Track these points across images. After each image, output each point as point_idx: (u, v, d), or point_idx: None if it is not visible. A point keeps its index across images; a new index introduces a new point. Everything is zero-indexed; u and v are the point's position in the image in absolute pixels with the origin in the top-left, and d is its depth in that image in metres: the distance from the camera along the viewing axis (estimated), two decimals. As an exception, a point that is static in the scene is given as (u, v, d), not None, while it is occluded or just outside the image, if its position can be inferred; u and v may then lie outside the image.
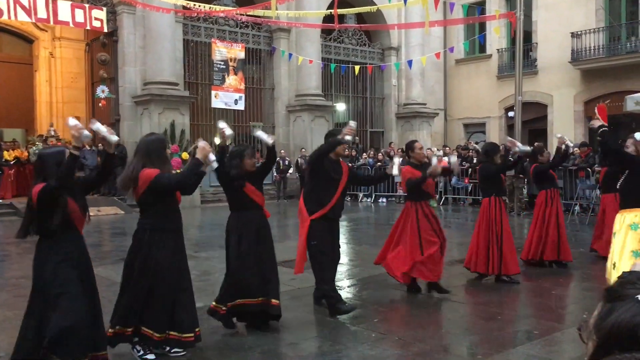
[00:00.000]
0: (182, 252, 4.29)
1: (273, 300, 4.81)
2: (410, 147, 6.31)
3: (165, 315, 4.12)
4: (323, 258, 5.39)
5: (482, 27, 21.45)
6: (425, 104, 22.07)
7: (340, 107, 21.75)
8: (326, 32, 20.10)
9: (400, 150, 18.61)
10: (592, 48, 18.90)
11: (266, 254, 4.91)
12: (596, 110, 5.44)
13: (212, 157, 4.15)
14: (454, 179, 16.42)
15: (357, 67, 18.21)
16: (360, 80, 21.33)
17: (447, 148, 18.99)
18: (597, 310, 1.11)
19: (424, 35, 20.98)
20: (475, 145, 17.69)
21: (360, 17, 20.09)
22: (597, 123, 5.29)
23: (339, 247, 5.74)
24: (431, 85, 23.09)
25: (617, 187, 5.40)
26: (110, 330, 4.09)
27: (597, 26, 18.99)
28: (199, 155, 4.03)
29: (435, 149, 18.62)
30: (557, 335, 4.82)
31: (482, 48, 22.69)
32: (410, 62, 18.21)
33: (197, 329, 4.23)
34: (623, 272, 1.17)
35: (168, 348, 4.23)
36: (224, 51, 17.78)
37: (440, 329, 5.22)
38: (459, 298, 6.21)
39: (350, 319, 5.30)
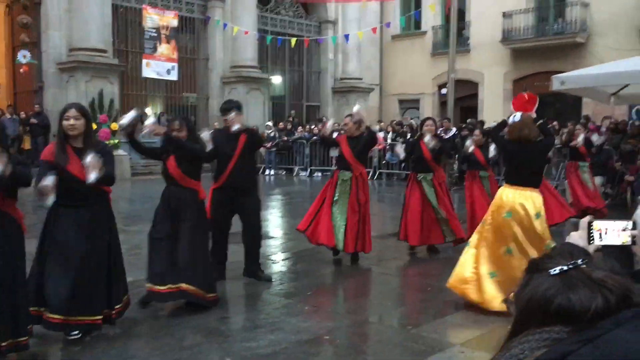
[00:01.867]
0: (79, 229, 3.97)
1: (183, 285, 4.51)
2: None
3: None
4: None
5: (418, 3, 21.66)
6: (361, 79, 22.15)
7: (276, 79, 21.52)
8: (262, 3, 19.74)
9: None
10: (522, 28, 19.46)
11: (181, 234, 4.62)
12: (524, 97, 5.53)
13: (93, 176, 3.76)
14: (388, 154, 16.64)
15: (293, 40, 18.02)
16: (297, 54, 21.13)
17: (382, 123, 19.21)
18: (520, 281, 1.12)
19: (361, 10, 20.96)
20: (410, 120, 17.98)
21: (297, -11, 19.82)
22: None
23: (249, 217, 5.54)
24: (367, 61, 23.18)
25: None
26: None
27: (527, 7, 19.54)
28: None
29: (373, 125, 18.76)
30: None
31: (418, 25, 22.93)
32: (347, 37, 18.21)
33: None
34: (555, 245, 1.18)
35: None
36: (155, 18, 17.13)
37: (372, 300, 5.29)
38: (391, 270, 6.32)
39: (283, 292, 5.29)
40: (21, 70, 15.60)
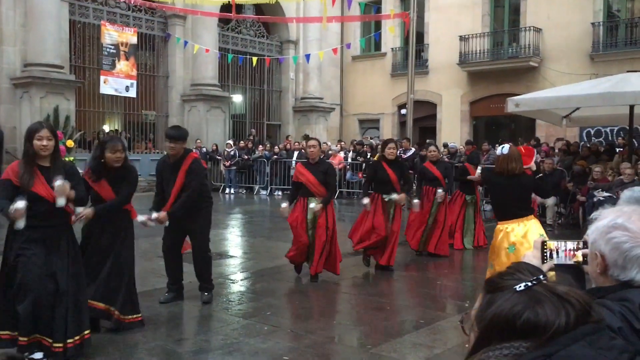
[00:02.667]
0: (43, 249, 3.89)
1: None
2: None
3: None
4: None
5: (378, 25, 22.02)
6: (322, 99, 22.31)
7: (237, 98, 21.49)
8: (224, 22, 19.74)
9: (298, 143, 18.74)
10: (478, 51, 20.00)
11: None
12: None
13: (62, 201, 3.79)
14: (348, 174, 16.76)
15: (254, 59, 18.05)
16: (258, 72, 21.16)
17: (342, 142, 19.36)
18: (478, 302, 1.13)
19: (322, 31, 21.19)
20: (370, 140, 18.16)
21: (259, 8, 19.92)
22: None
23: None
24: (328, 80, 23.39)
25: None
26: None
27: (483, 31, 20.12)
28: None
29: (330, 144, 18.91)
30: (442, 324, 5.03)
31: (378, 46, 23.31)
32: (307, 57, 18.35)
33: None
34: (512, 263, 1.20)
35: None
36: (114, 35, 16.92)
37: (331, 320, 5.28)
38: (351, 289, 6.32)
39: (242, 313, 5.22)
40: (-28, 85, 15.12)
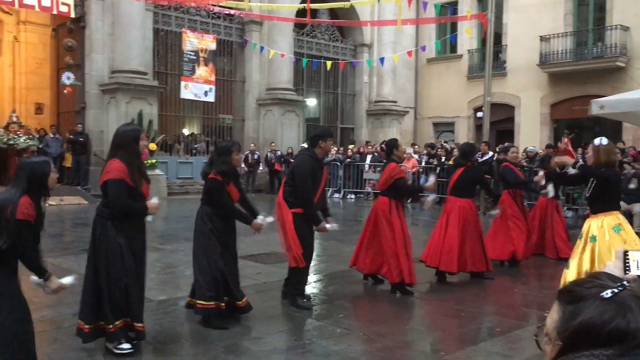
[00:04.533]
0: (137, 241, 4.20)
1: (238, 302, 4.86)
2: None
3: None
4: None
5: (454, 27, 21.65)
6: (395, 102, 22.18)
7: (311, 102, 21.72)
8: (299, 27, 20.02)
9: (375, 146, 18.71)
10: (560, 52, 19.25)
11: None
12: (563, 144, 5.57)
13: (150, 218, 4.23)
14: (422, 178, 16.55)
15: (329, 63, 18.18)
16: (332, 76, 21.32)
17: (416, 146, 19.15)
18: (556, 314, 1.10)
19: (397, 33, 21.07)
20: (444, 144, 17.87)
21: (333, 13, 20.07)
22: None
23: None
24: (402, 84, 23.22)
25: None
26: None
27: (565, 30, 19.35)
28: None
29: (404, 147, 18.74)
30: (519, 333, 4.88)
31: (453, 48, 22.91)
32: (382, 60, 18.28)
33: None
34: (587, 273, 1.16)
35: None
36: (194, 41, 17.55)
37: (404, 325, 5.24)
38: (425, 295, 6.25)
39: (315, 315, 5.28)
40: (65, 91, 16.11)
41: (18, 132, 15.10)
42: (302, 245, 5.28)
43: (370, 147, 18.96)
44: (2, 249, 3.09)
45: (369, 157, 17.81)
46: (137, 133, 4.27)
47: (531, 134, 19.92)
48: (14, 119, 15.73)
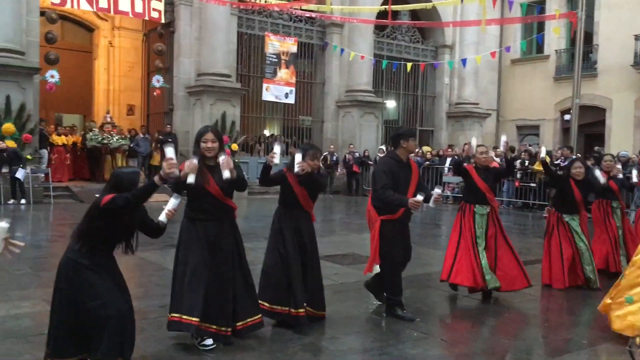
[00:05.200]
0: (207, 242, 4.25)
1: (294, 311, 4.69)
2: (403, 136, 5.50)
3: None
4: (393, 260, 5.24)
5: (541, 26, 20.88)
6: (477, 104, 21.67)
7: (391, 104, 21.61)
8: (379, 28, 19.98)
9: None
10: (657, 51, 18.16)
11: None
12: None
13: (192, 178, 4.00)
14: (505, 183, 16.07)
15: (409, 64, 18.03)
16: (412, 78, 21.12)
17: (498, 149, 18.58)
18: None
19: (480, 34, 20.59)
20: (529, 147, 17.26)
21: (414, 14, 19.88)
22: None
23: (410, 248, 5.47)
24: (484, 85, 22.66)
25: None
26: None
27: (664, 29, 18.23)
28: (167, 170, 3.64)
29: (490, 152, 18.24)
30: (607, 346, 4.66)
31: (540, 48, 22.10)
32: (464, 61, 17.93)
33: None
34: None
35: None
36: (276, 44, 17.91)
37: (484, 332, 5.12)
38: (507, 302, 6.07)
39: (393, 317, 5.25)
40: (155, 93, 16.91)
41: (112, 132, 16.00)
42: (391, 252, 5.13)
43: (450, 149, 18.62)
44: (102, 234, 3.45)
45: (448, 160, 17.51)
46: (199, 133, 4.31)
47: (624, 138, 18.88)
48: (108, 120, 16.68)
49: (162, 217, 3.67)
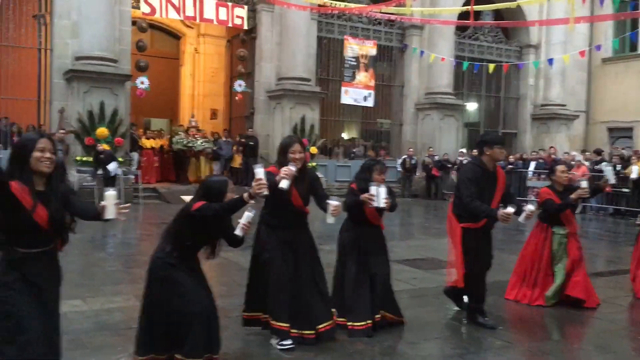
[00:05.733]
0: (287, 246, 4.35)
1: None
2: (489, 142, 5.15)
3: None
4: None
5: (635, 23, 19.73)
6: (564, 105, 20.78)
7: (472, 106, 21.12)
8: (460, 29, 19.59)
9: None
10: None
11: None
12: None
13: (286, 184, 4.07)
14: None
15: (491, 65, 17.55)
16: (495, 79, 20.55)
17: (587, 153, 17.75)
18: None
19: (568, 32, 19.73)
20: (622, 151, 16.38)
21: (498, 14, 19.34)
22: None
23: (491, 257, 5.26)
24: (572, 86, 21.69)
25: None
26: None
27: None
28: (257, 190, 3.65)
29: (574, 153, 17.49)
30: None
31: (634, 46, 20.89)
32: (550, 61, 17.23)
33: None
34: None
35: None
36: (355, 48, 17.96)
37: (570, 343, 4.90)
38: (597, 313, 5.77)
39: (474, 324, 5.13)
40: (237, 98, 17.38)
41: (196, 136, 16.60)
42: (473, 260, 4.99)
43: (534, 153, 17.96)
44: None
45: (532, 164, 16.89)
46: (285, 144, 4.36)
47: None
48: (193, 123, 17.32)
49: (238, 232, 3.77)
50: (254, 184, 3.68)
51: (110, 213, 3.09)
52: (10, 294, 2.95)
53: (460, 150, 18.17)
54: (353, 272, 4.76)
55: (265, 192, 3.71)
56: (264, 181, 3.67)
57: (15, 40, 14.12)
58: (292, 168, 4.07)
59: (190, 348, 3.49)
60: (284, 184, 4.04)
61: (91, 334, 4.48)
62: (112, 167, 13.13)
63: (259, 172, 3.76)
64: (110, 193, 3.12)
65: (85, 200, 3.41)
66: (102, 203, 3.08)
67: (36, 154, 2.97)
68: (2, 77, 13.76)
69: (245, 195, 3.62)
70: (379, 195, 4.44)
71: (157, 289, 3.60)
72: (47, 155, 3.00)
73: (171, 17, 15.96)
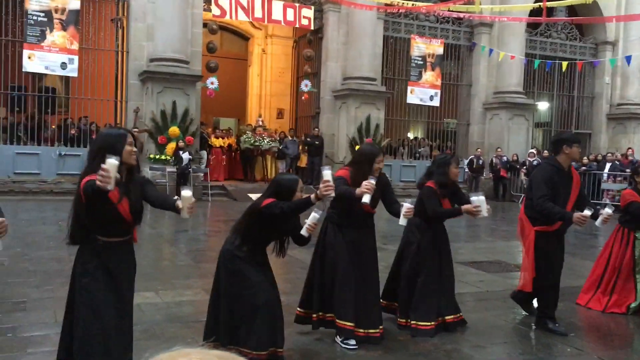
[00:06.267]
0: (353, 246, 4.39)
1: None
2: (567, 141, 4.98)
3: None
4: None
5: None
6: (643, 105, 19.79)
7: (543, 105, 20.45)
8: (532, 26, 19.01)
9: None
10: None
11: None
12: None
13: (368, 198, 4.11)
14: None
15: (564, 63, 16.95)
16: (568, 78, 19.81)
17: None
18: None
19: (648, 28, 18.78)
20: None
21: (572, 10, 18.64)
22: None
23: (562, 261, 5.12)
24: (652, 84, 20.61)
25: None
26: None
27: None
28: (324, 192, 3.72)
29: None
30: None
31: None
32: (628, 58, 16.47)
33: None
34: None
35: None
36: (422, 47, 17.77)
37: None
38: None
39: (543, 330, 4.99)
40: (303, 97, 17.57)
41: (263, 135, 16.90)
42: (545, 265, 4.85)
43: (610, 154, 17.21)
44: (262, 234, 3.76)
45: (608, 165, 16.19)
46: (372, 154, 4.41)
47: None
48: (260, 123, 17.63)
49: (304, 232, 3.83)
50: (321, 185, 3.74)
51: (184, 214, 3.23)
52: (89, 282, 3.13)
53: (531, 150, 17.64)
54: (428, 272, 4.75)
55: (332, 194, 3.77)
56: (331, 183, 3.74)
57: (95, 44, 14.82)
58: (372, 182, 4.11)
59: (254, 340, 3.59)
60: (366, 198, 4.12)
61: (163, 325, 4.67)
62: (185, 155, 13.74)
63: (327, 174, 3.82)
64: (187, 194, 3.25)
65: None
66: (179, 202, 3.22)
67: (127, 147, 3.14)
68: (83, 79, 14.48)
69: (312, 196, 3.68)
70: (482, 204, 4.47)
71: (225, 281, 3.73)
72: (135, 148, 3.19)
73: (240, 19, 16.31)
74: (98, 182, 2.79)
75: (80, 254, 3.20)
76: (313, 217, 3.79)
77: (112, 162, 2.85)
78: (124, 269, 3.26)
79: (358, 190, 4.09)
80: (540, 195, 4.69)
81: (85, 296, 3.11)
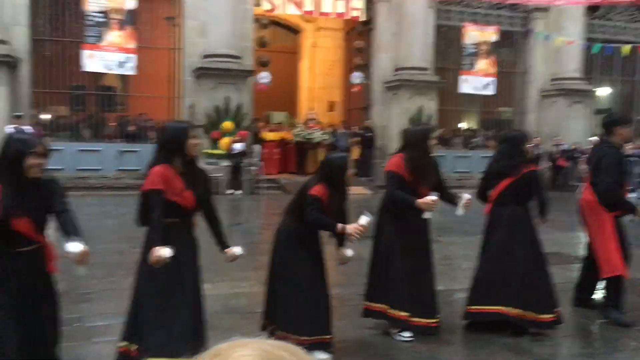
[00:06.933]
0: (408, 236, 4.36)
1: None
2: (618, 122, 4.84)
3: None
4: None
5: None
6: None
7: (603, 91, 19.67)
8: (591, 9, 18.29)
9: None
10: None
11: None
12: None
13: (429, 215, 4.19)
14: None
15: (626, 47, 16.24)
16: (630, 62, 18.98)
17: None
18: None
19: None
20: None
21: (633, -9, 17.83)
22: None
23: None
24: None
25: None
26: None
27: None
28: (353, 234, 3.79)
29: None
30: None
31: None
32: (696, 39, 15.63)
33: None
34: None
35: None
36: (475, 35, 17.38)
37: None
38: None
39: (606, 324, 4.84)
40: (354, 89, 17.51)
41: (314, 128, 16.97)
42: (624, 252, 4.69)
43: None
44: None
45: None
46: (426, 132, 4.37)
47: None
48: (311, 116, 17.70)
49: (349, 253, 3.98)
50: (354, 226, 3.74)
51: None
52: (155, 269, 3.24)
53: (592, 138, 17.02)
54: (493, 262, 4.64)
55: (357, 238, 3.78)
56: (364, 230, 3.75)
57: (151, 42, 15.21)
58: (434, 198, 4.08)
59: (295, 325, 3.64)
60: (427, 215, 4.15)
61: (221, 316, 4.78)
62: (238, 146, 13.94)
63: (364, 219, 3.78)
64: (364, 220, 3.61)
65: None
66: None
67: (192, 140, 3.26)
68: (139, 77, 14.90)
69: (340, 226, 3.68)
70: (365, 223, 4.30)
71: (276, 261, 3.80)
72: (198, 141, 3.35)
73: (290, 12, 16.40)
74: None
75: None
76: (364, 219, 3.78)
77: None
78: (185, 253, 3.45)
79: (421, 204, 4.06)
80: (613, 182, 4.56)
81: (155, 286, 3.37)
